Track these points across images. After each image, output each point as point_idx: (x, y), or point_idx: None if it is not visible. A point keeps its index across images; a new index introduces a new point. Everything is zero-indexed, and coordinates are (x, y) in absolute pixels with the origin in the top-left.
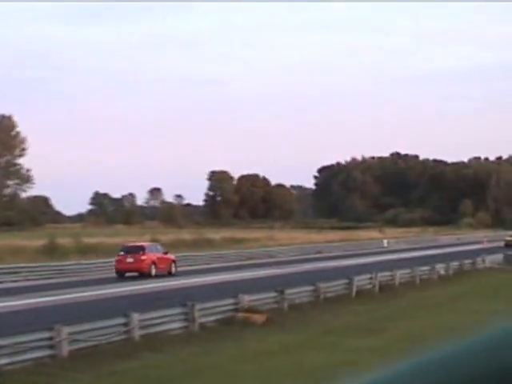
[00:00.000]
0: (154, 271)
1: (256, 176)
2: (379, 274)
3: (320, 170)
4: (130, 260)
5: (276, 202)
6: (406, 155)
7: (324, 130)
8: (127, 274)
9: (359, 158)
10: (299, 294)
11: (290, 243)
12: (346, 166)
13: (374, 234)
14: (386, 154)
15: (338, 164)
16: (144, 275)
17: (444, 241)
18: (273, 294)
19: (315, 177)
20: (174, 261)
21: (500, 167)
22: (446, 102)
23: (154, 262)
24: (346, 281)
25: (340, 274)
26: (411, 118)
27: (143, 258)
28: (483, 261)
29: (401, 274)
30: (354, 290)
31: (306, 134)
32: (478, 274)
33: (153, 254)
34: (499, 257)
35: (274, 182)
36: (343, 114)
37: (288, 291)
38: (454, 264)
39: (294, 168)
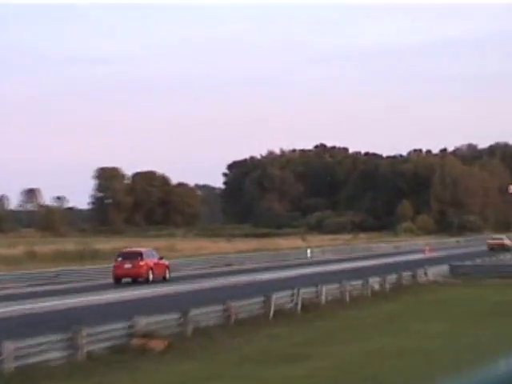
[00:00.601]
0: (151, 276)
1: (153, 173)
2: (302, 291)
3: (230, 166)
4: (128, 266)
5: (177, 204)
6: (334, 148)
7: (235, 119)
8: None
9: (277, 151)
10: (206, 315)
11: (195, 254)
12: (262, 160)
13: (295, 242)
14: (309, 146)
15: (252, 159)
16: (140, 281)
17: (379, 250)
18: (175, 316)
19: (225, 174)
20: (167, 266)
21: (444, 161)
22: (380, 85)
23: (151, 268)
24: (262, 299)
25: (255, 291)
26: (339, 104)
27: (141, 263)
28: (425, 273)
29: (328, 290)
30: (272, 309)
31: (214, 123)
32: (419, 289)
33: (150, 259)
34: (444, 268)
35: (174, 180)
36: (257, 100)
37: (193, 312)
38: (391, 277)
39: (199, 164)
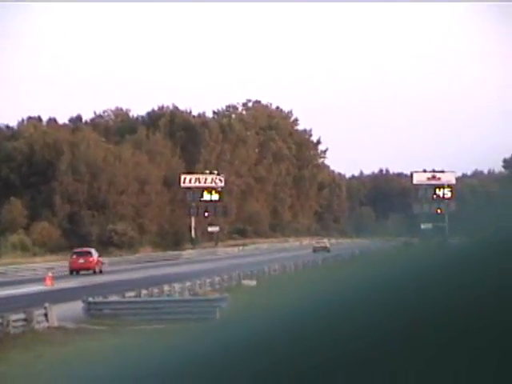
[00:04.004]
0: (97, 269)
1: None
2: None
3: None
4: (81, 261)
5: None
6: None
7: None
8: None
9: None
10: None
11: None
12: None
13: None
14: None
15: None
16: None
17: None
18: None
19: None
20: (102, 262)
21: (77, 137)
22: None
23: (97, 263)
24: None
25: None
26: None
27: (91, 259)
28: (46, 315)
29: None
30: None
31: None
32: (36, 341)
33: (96, 256)
34: (77, 307)
35: None
36: None
37: None
38: None
39: None
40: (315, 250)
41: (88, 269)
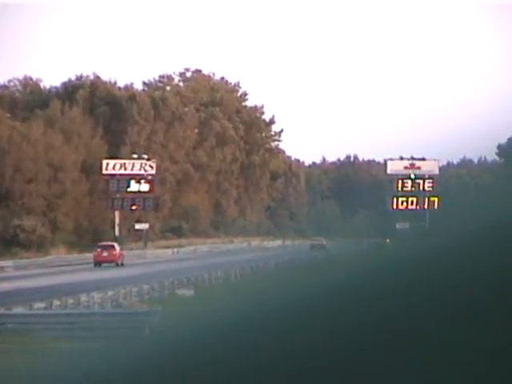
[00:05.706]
0: (120, 262)
1: None
2: None
3: None
4: (105, 254)
5: None
6: None
7: None
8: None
9: None
10: None
11: None
12: None
13: None
14: None
15: None
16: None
17: None
18: None
19: None
20: (123, 255)
21: None
22: None
23: (119, 256)
24: None
25: None
26: None
27: (114, 252)
28: None
29: None
30: None
31: None
32: None
33: (118, 250)
34: None
35: None
36: None
37: None
38: None
39: None
40: (313, 247)
41: (111, 261)
